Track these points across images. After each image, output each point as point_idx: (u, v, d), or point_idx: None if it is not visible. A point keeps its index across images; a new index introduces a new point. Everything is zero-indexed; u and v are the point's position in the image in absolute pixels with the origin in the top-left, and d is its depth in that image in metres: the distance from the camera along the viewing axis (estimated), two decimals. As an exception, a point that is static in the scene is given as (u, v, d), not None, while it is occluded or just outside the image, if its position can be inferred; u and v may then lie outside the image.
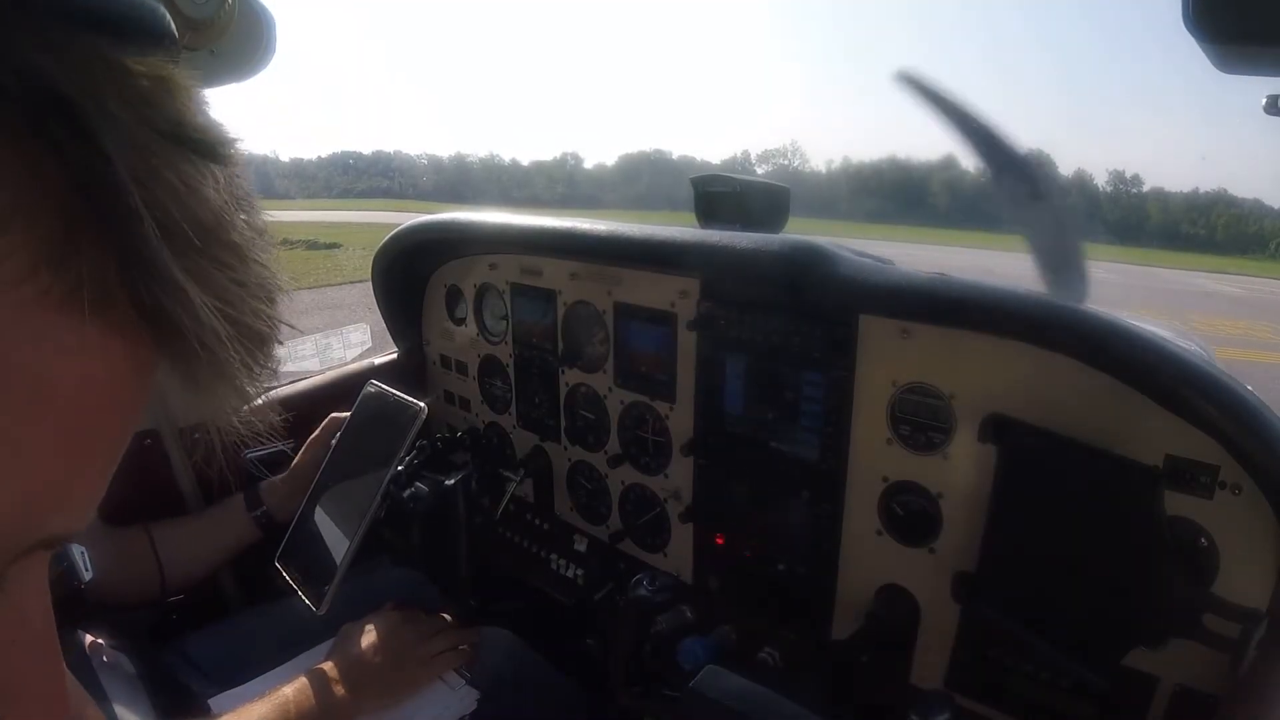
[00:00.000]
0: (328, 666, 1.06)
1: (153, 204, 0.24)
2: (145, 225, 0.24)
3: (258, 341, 0.29)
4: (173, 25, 0.27)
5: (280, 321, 0.30)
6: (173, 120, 0.25)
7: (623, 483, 1.26)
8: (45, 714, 0.32)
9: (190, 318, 0.26)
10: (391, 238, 1.42)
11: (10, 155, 0.23)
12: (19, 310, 0.24)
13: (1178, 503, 0.74)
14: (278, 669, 1.14)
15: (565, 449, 1.35)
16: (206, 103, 0.27)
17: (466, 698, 1.12)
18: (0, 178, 0.23)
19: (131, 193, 0.24)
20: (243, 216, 0.28)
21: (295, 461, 1.34)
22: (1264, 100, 0.53)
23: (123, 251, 0.24)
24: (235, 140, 0.28)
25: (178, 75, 0.26)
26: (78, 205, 0.24)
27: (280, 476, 1.33)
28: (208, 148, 0.26)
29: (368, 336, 1.86)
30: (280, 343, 0.31)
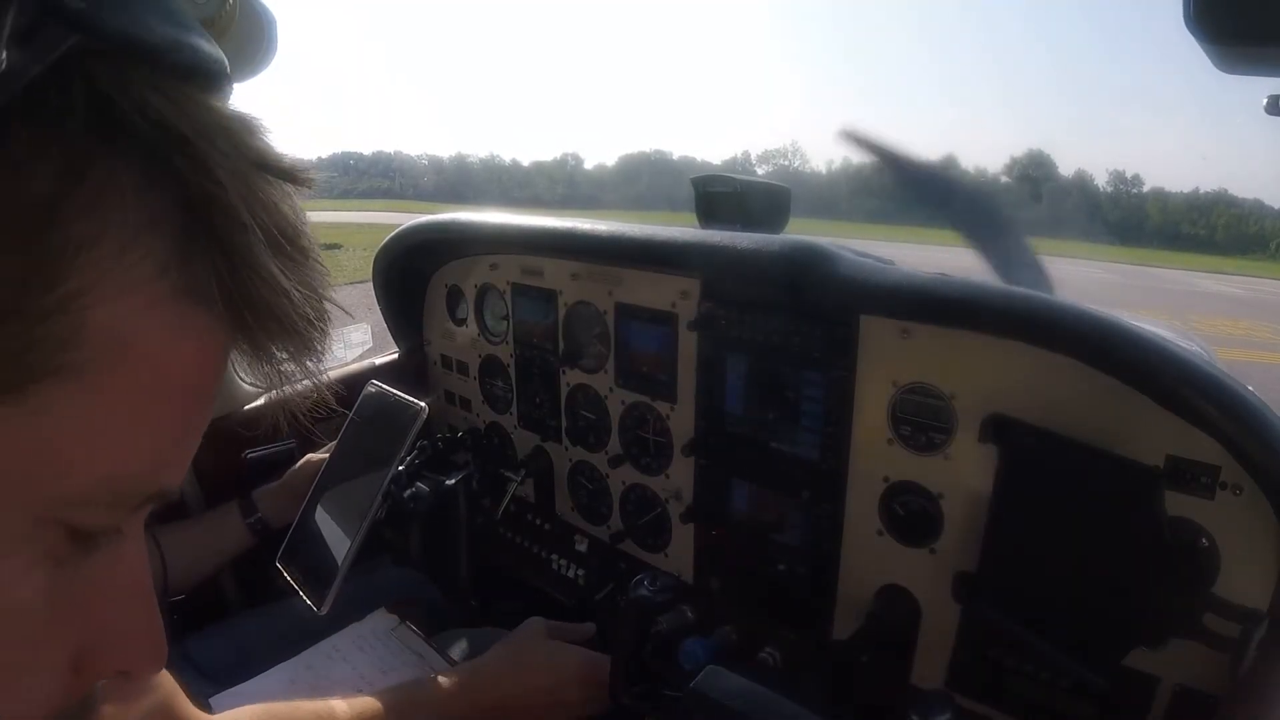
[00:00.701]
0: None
1: (250, 214, 0.31)
2: (251, 234, 0.31)
3: (326, 322, 0.36)
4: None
5: (339, 307, 0.38)
6: (259, 151, 0.32)
7: (624, 483, 1.26)
8: (151, 656, 0.37)
9: (288, 304, 0.33)
10: (392, 238, 1.42)
11: (142, 180, 0.29)
12: (154, 303, 0.30)
13: (1178, 503, 0.74)
14: (279, 669, 1.14)
15: (566, 449, 1.35)
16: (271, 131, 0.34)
17: None
18: (137, 198, 0.29)
19: (240, 209, 0.30)
20: (307, 225, 0.35)
21: (289, 471, 1.34)
22: (1265, 100, 0.53)
23: (233, 255, 0.31)
24: (309, 167, 0.35)
25: (257, 117, 0.33)
26: (193, 218, 0.30)
27: (274, 485, 1.33)
28: (288, 173, 0.34)
29: (368, 336, 1.86)
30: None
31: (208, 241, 0.31)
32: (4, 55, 0.25)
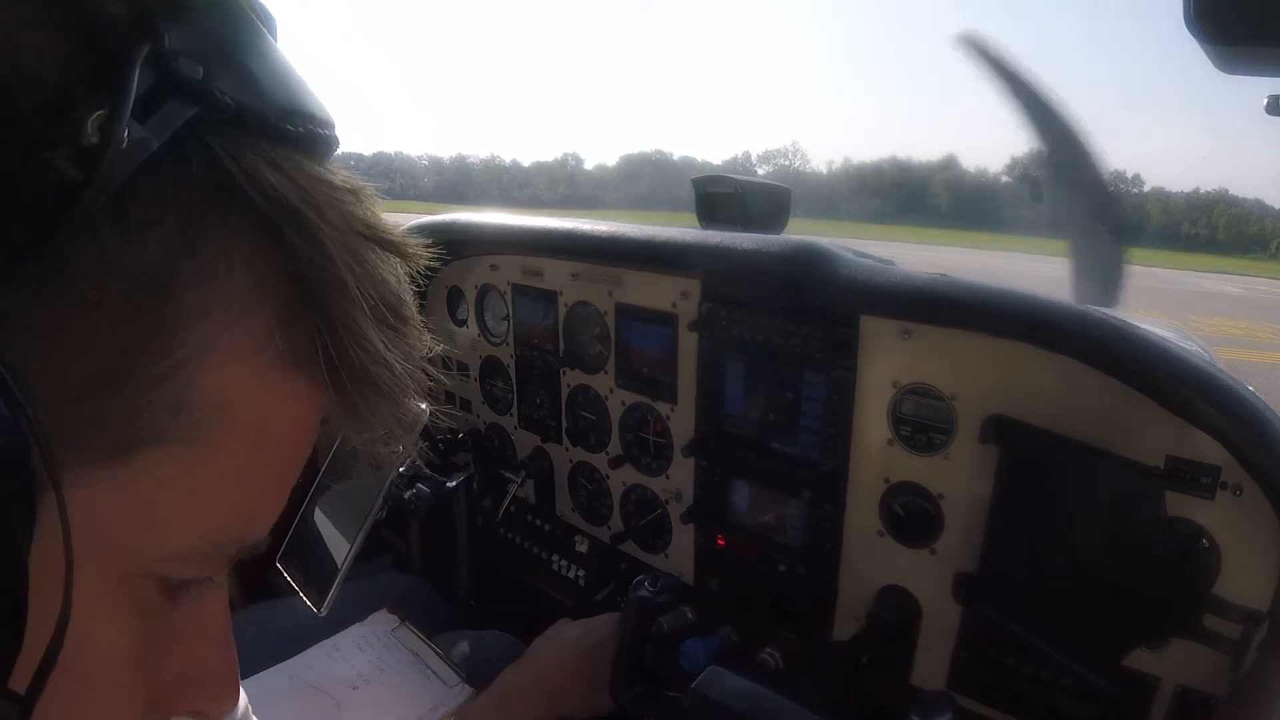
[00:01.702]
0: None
1: (357, 285, 0.31)
2: (356, 304, 0.31)
3: (422, 391, 0.36)
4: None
5: (434, 374, 0.38)
6: (366, 222, 0.33)
7: (624, 484, 1.26)
8: (225, 695, 0.38)
9: (388, 374, 0.33)
10: (392, 239, 1.42)
11: (253, 251, 0.29)
12: (258, 370, 0.31)
13: (1179, 503, 0.74)
14: (278, 668, 1.14)
15: (566, 450, 1.35)
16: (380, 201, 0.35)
17: (461, 695, 1.13)
18: (247, 268, 0.29)
19: (347, 282, 0.31)
20: (409, 294, 0.36)
21: None
22: (1265, 100, 0.53)
23: (336, 325, 0.31)
24: (414, 240, 0.36)
25: (365, 185, 0.34)
26: (300, 288, 0.31)
27: None
28: (394, 246, 0.34)
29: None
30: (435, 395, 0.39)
31: (313, 311, 0.31)
32: (126, 133, 0.25)
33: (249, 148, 0.29)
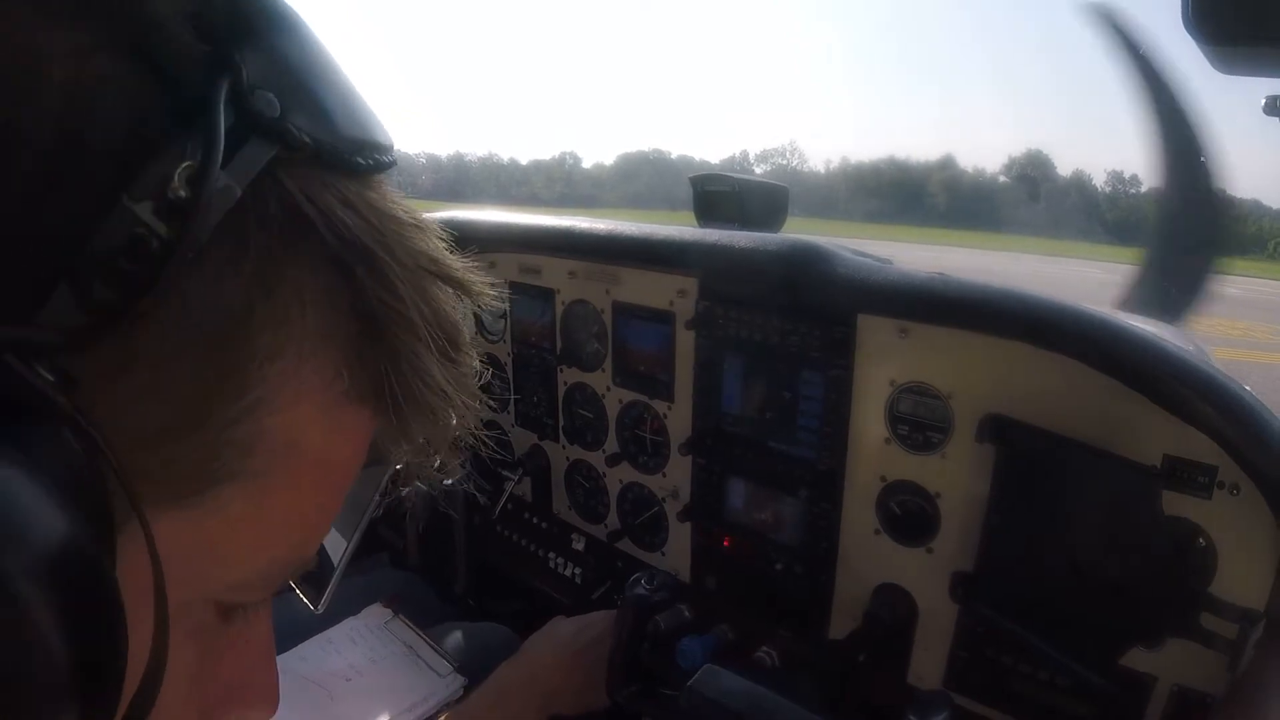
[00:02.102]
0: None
1: (423, 321, 0.32)
2: (422, 342, 0.32)
3: (476, 417, 0.37)
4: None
5: (483, 399, 0.38)
6: (432, 258, 0.33)
7: (621, 482, 1.26)
8: (267, 703, 0.39)
9: (444, 403, 0.34)
10: (390, 236, 1.41)
11: (324, 291, 0.29)
12: (325, 408, 0.31)
13: (1176, 503, 0.74)
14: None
15: (563, 448, 1.35)
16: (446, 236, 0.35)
17: (453, 684, 1.13)
18: (318, 309, 0.29)
19: (416, 321, 0.31)
20: (464, 323, 0.35)
21: None
22: (1264, 101, 0.53)
23: (402, 362, 0.32)
24: (477, 279, 0.36)
25: (425, 217, 0.34)
26: (367, 325, 0.31)
27: None
28: (459, 283, 0.34)
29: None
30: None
31: (380, 348, 0.31)
32: (218, 183, 0.25)
33: (323, 185, 0.29)
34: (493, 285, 0.37)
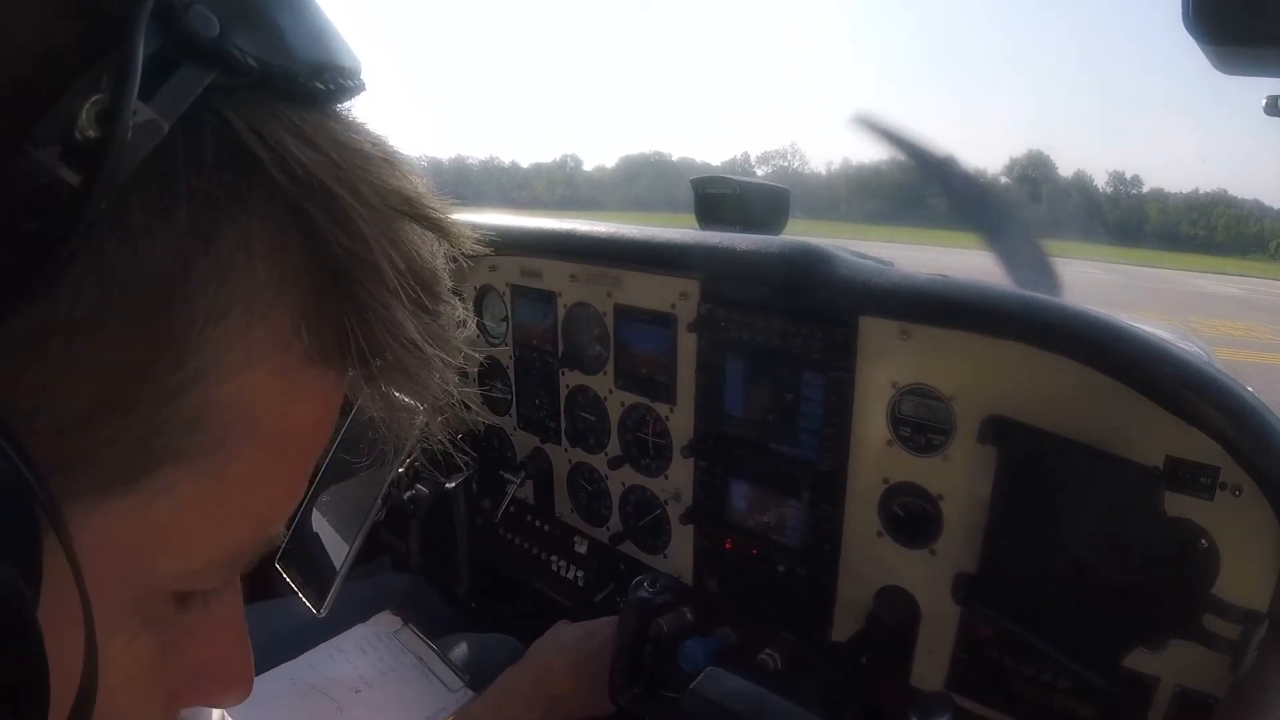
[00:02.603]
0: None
1: (392, 269, 0.28)
2: (391, 291, 0.28)
3: (452, 368, 0.33)
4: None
5: (465, 352, 0.34)
6: (404, 196, 0.29)
7: (623, 484, 1.26)
8: (239, 684, 0.36)
9: (419, 359, 0.30)
10: (391, 239, 1.42)
11: (275, 240, 0.25)
12: (281, 372, 0.27)
13: (1178, 504, 0.74)
14: (281, 669, 1.14)
15: (565, 451, 1.35)
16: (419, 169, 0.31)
17: (463, 699, 1.12)
18: (269, 261, 0.25)
19: (383, 267, 0.27)
20: (443, 267, 0.32)
21: None
22: (1264, 101, 0.53)
23: (368, 314, 0.28)
24: (454, 217, 0.32)
25: (399, 152, 0.30)
26: (327, 274, 0.27)
27: None
28: (436, 224, 0.30)
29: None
30: (467, 373, 0.35)
31: (343, 300, 0.28)
32: (131, 118, 0.21)
33: (272, 116, 0.25)
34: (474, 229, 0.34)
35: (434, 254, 0.31)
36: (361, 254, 0.27)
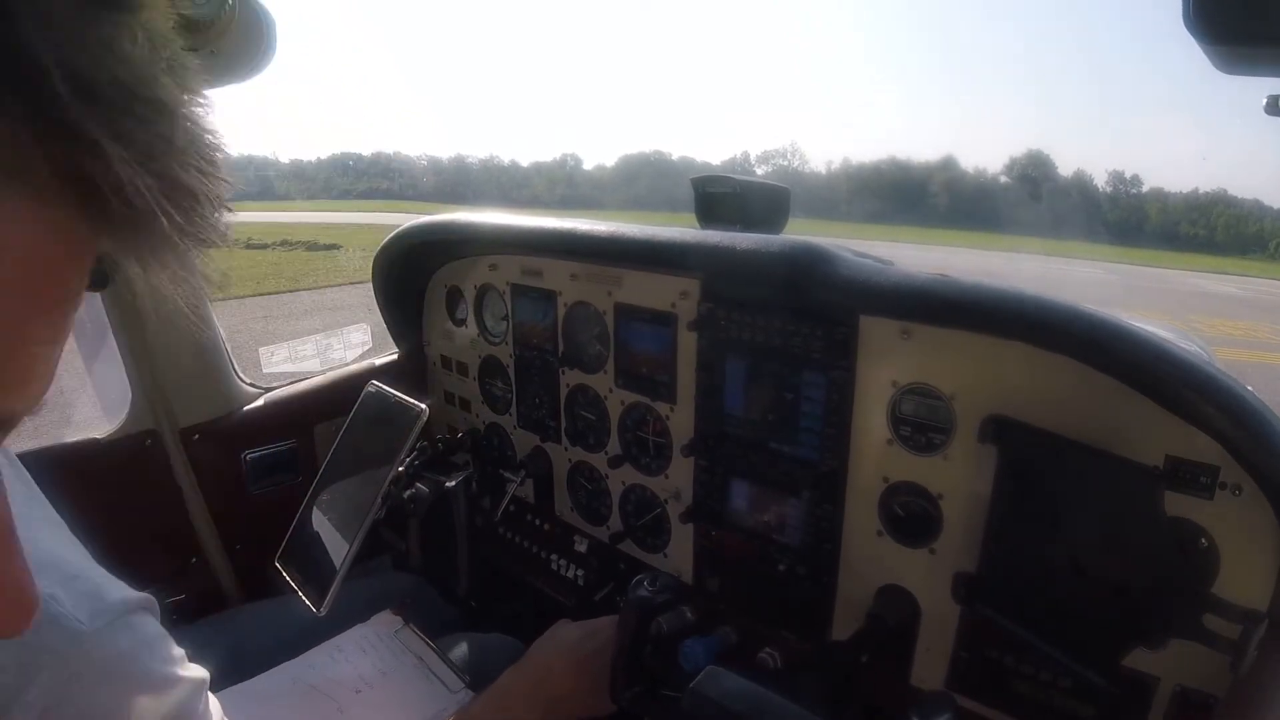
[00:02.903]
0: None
1: (67, 64, 0.23)
2: (59, 88, 0.23)
3: (190, 198, 0.27)
4: None
5: (219, 178, 0.28)
6: None
7: (623, 483, 1.26)
8: (13, 602, 0.30)
9: (110, 175, 0.24)
10: (392, 239, 1.42)
11: None
12: None
13: (1178, 503, 0.74)
14: (282, 668, 1.14)
15: (565, 450, 1.35)
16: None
17: (464, 700, 1.12)
18: None
19: (43, 55, 0.22)
20: (169, 79, 0.26)
21: None
22: (1264, 100, 0.53)
23: (37, 117, 0.23)
24: None
25: None
26: None
27: None
28: (128, 3, 0.25)
29: (368, 337, 1.86)
30: (226, 206, 0.29)
31: (8, 102, 0.23)
32: None
33: None
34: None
35: (138, 48, 0.26)
36: (21, 47, 0.23)
